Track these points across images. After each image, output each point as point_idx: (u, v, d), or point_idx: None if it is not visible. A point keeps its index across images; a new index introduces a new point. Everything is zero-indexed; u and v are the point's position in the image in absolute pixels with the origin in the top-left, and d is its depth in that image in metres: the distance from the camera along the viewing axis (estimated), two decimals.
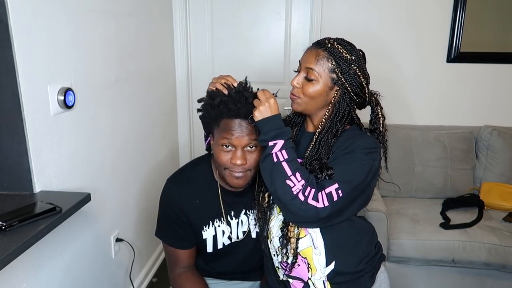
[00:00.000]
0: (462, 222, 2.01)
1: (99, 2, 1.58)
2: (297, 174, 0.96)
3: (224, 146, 1.07)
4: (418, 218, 2.07)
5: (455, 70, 2.46)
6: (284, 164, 0.97)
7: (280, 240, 1.10)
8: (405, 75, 2.50)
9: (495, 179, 2.30)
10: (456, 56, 2.43)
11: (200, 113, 1.14)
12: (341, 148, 1.04)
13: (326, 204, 0.94)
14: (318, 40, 1.10)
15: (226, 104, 1.04)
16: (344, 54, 1.04)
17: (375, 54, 2.65)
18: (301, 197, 0.94)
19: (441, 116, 2.52)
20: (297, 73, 1.11)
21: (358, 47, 1.11)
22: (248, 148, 1.07)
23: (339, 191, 0.95)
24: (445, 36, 2.41)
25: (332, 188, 0.95)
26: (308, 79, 1.06)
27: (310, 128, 1.16)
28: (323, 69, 1.04)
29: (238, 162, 1.05)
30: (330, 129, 1.06)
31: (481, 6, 2.35)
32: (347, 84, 1.04)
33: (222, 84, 1.08)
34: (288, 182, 0.95)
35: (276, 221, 1.14)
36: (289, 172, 0.96)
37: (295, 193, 0.95)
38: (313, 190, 0.95)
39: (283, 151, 0.98)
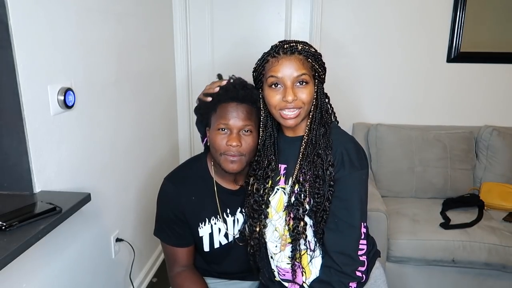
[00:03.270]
0: (462, 222, 2.00)
1: (99, 2, 1.58)
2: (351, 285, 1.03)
3: (221, 130, 1.11)
4: (418, 218, 2.07)
5: (455, 70, 2.46)
6: None
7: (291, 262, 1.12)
8: (405, 75, 2.50)
9: (495, 179, 2.29)
10: (456, 56, 2.43)
11: (197, 106, 1.20)
12: (335, 165, 1.03)
13: (364, 248, 1.04)
14: (282, 49, 1.05)
15: (225, 88, 1.13)
16: (312, 50, 1.07)
17: (375, 54, 2.67)
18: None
19: (441, 116, 2.52)
20: (277, 88, 1.03)
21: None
22: (243, 131, 1.11)
23: (365, 224, 1.05)
24: (445, 36, 2.41)
25: (362, 229, 1.04)
26: (302, 82, 1.03)
27: (289, 133, 1.13)
28: (307, 69, 1.03)
29: (234, 143, 1.09)
30: (321, 122, 1.07)
31: (481, 6, 2.35)
32: (323, 76, 1.09)
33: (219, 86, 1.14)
34: None
35: (270, 226, 1.14)
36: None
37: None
38: (357, 274, 1.02)
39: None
